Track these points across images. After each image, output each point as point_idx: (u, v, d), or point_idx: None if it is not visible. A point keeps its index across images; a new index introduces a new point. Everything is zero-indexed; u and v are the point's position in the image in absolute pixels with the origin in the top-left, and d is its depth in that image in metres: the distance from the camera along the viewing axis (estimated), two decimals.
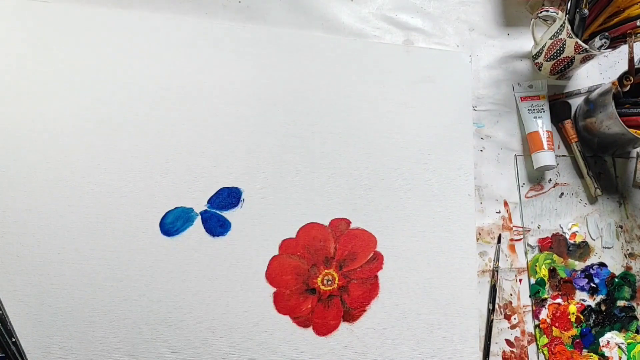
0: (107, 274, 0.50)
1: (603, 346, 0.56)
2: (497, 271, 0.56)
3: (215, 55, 0.58)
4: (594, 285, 0.58)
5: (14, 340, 0.46)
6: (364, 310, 0.53)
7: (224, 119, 0.56)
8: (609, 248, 0.60)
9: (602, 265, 0.59)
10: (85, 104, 0.55)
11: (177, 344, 0.49)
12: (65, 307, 0.49)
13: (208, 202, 0.54)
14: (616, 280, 0.59)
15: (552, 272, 0.58)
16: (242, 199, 0.54)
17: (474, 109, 0.62)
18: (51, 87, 0.54)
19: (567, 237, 0.59)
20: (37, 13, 0.56)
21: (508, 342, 0.55)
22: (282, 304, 0.52)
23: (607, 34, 0.56)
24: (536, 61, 0.65)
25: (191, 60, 0.58)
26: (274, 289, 0.52)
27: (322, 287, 0.53)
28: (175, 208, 0.53)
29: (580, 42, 0.56)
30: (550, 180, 0.61)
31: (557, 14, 0.58)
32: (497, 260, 0.57)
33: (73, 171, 0.52)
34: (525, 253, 0.58)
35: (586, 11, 0.55)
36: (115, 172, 0.53)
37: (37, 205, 0.51)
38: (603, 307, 0.58)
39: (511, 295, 0.57)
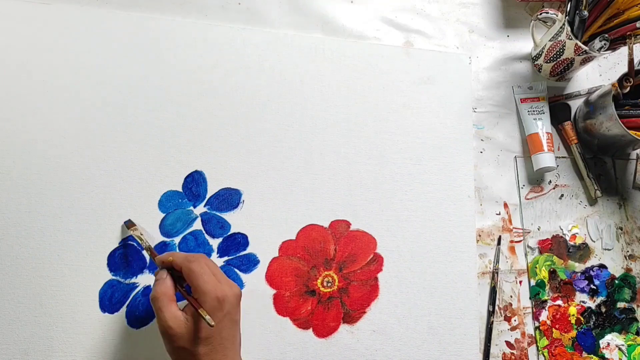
0: (106, 275, 0.50)
1: (603, 348, 0.56)
2: (497, 273, 0.56)
3: (214, 57, 0.58)
4: (594, 287, 0.58)
5: None
6: (364, 312, 0.53)
7: (223, 120, 0.56)
8: (609, 250, 0.60)
9: (602, 266, 0.59)
10: (85, 105, 0.55)
11: None
12: (65, 309, 0.49)
13: (208, 204, 0.54)
14: (616, 281, 0.59)
15: (552, 273, 0.58)
16: (241, 200, 0.54)
17: (474, 111, 0.62)
18: (51, 89, 0.54)
19: (567, 238, 0.59)
20: (38, 15, 0.56)
21: (508, 343, 0.55)
22: (282, 305, 0.52)
23: (606, 35, 0.56)
24: (536, 63, 0.65)
25: (190, 61, 0.58)
26: (274, 291, 0.52)
27: (322, 288, 0.53)
28: (175, 210, 0.53)
29: (580, 43, 0.56)
30: (550, 181, 0.61)
31: (557, 16, 0.58)
32: (497, 262, 0.57)
33: (73, 173, 0.52)
34: (525, 255, 0.58)
35: (586, 13, 0.55)
36: (115, 174, 0.53)
37: (37, 207, 0.51)
38: (603, 309, 0.57)
39: (511, 297, 0.57)
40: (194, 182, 0.54)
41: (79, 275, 0.50)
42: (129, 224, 0.50)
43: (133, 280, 0.50)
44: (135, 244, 0.50)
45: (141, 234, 0.48)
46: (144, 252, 0.50)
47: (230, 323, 0.41)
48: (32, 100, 0.54)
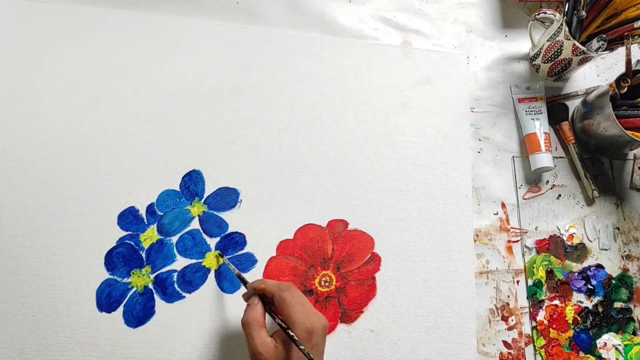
0: (103, 274, 0.50)
1: (600, 348, 0.56)
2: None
3: (213, 56, 0.58)
4: (591, 287, 0.58)
5: None
6: (362, 312, 0.53)
7: (221, 120, 0.56)
8: (606, 250, 0.60)
9: (599, 266, 0.59)
10: (82, 104, 0.55)
11: (172, 345, 0.49)
12: (62, 307, 0.49)
13: (205, 203, 0.54)
14: (613, 281, 0.59)
15: (550, 273, 0.58)
16: (239, 200, 0.54)
17: (472, 111, 0.63)
18: (48, 88, 0.54)
19: (565, 238, 0.60)
20: (35, 13, 0.56)
21: (505, 343, 0.55)
22: None
23: (604, 35, 0.56)
24: (534, 63, 0.65)
25: (189, 61, 0.58)
26: None
27: (319, 288, 0.53)
28: (173, 209, 0.53)
29: (577, 44, 0.56)
30: (548, 181, 0.62)
31: (555, 16, 0.59)
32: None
33: (70, 172, 0.52)
34: (523, 255, 0.58)
35: (584, 13, 0.55)
36: (112, 173, 0.53)
37: (34, 205, 0.51)
38: (600, 309, 0.58)
39: (508, 296, 0.57)
40: (192, 181, 0.54)
41: (76, 274, 0.50)
42: (218, 256, 0.52)
43: (130, 279, 0.50)
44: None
45: (230, 263, 0.50)
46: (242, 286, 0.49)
47: (317, 354, 0.41)
48: (30, 98, 0.54)
